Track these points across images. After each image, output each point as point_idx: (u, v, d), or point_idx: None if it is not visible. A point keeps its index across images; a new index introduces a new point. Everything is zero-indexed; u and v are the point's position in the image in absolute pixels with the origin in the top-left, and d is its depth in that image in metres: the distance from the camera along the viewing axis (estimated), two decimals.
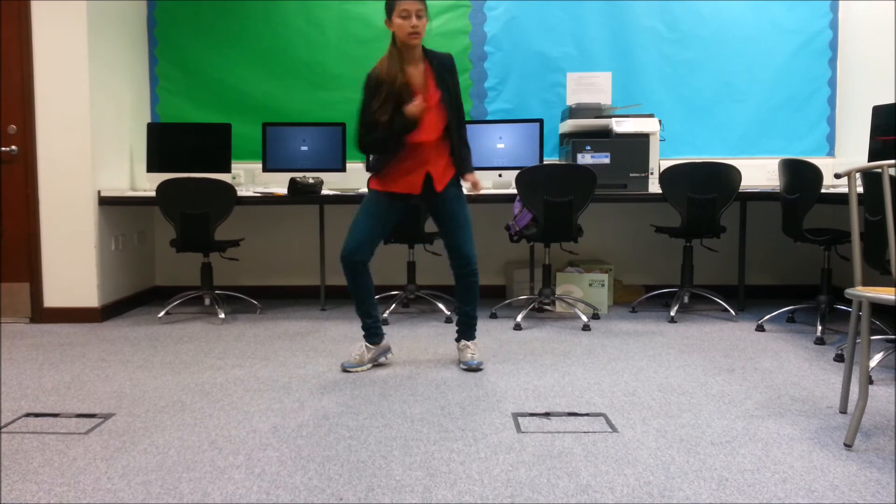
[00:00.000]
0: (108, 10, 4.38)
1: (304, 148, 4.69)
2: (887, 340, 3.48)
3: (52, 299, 4.20)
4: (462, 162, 3.15)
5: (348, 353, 3.46)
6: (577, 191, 3.93)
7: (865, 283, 4.16)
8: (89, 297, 4.20)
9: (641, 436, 2.34)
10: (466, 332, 3.25)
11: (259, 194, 4.26)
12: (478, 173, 4.57)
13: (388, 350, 3.27)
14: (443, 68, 3.06)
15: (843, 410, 2.55)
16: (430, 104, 3.01)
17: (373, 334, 3.20)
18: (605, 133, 4.31)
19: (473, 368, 3.13)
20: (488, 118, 4.87)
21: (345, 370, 3.15)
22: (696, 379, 2.99)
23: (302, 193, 4.17)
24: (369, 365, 3.19)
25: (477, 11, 4.87)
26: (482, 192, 3.33)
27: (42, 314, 4.20)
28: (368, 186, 3.15)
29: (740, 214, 4.45)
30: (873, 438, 2.31)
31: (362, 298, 3.15)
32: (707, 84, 4.87)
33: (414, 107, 2.90)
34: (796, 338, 3.72)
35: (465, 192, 3.20)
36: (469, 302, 3.20)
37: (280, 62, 4.91)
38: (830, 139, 4.87)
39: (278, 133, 4.69)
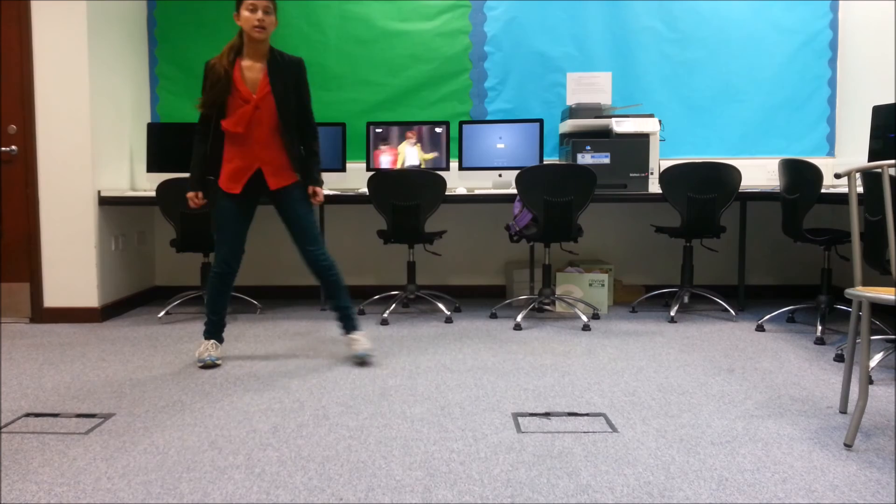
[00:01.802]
0: (108, 10, 4.38)
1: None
2: (887, 340, 3.48)
3: (52, 299, 4.20)
4: (306, 170, 3.23)
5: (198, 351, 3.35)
6: (577, 191, 3.94)
7: (865, 283, 4.16)
8: (89, 297, 4.21)
9: (641, 436, 2.34)
10: (348, 323, 3.30)
11: None
12: (478, 173, 4.62)
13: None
14: (284, 69, 3.12)
15: (843, 410, 2.55)
16: (257, 99, 3.08)
17: (221, 332, 3.32)
18: (605, 133, 4.32)
19: (363, 360, 3.22)
20: (488, 118, 4.87)
21: (206, 365, 3.19)
22: (696, 379, 2.99)
23: None
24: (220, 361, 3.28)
25: (477, 11, 4.87)
26: (321, 198, 3.30)
27: (42, 314, 4.20)
28: (217, 184, 3.23)
29: (740, 214, 4.45)
30: (873, 438, 2.31)
31: (226, 301, 3.29)
32: (707, 84, 4.87)
33: (191, 201, 3.21)
34: (796, 338, 3.72)
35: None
36: (337, 296, 3.26)
37: None
38: (830, 139, 4.87)
39: None
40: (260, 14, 3.00)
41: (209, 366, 3.19)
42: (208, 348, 3.24)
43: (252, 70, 3.10)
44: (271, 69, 3.10)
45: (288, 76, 3.13)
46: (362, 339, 3.27)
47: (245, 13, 3.02)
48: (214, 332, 3.30)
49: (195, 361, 3.29)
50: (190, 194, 3.23)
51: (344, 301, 3.29)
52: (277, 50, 3.16)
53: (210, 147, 3.18)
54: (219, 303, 3.27)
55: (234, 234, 3.20)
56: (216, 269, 3.21)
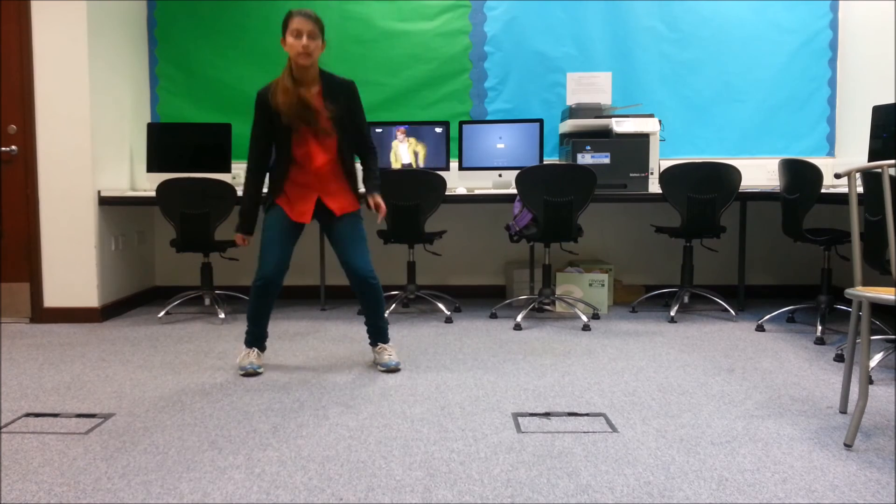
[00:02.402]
0: (108, 10, 4.38)
1: None
2: (887, 340, 3.48)
3: (52, 299, 4.20)
4: (370, 184, 3.15)
5: (240, 358, 3.28)
6: (577, 191, 3.93)
7: (865, 283, 4.16)
8: (89, 297, 4.21)
9: (641, 436, 2.34)
10: (380, 336, 3.23)
11: None
12: (478, 173, 4.62)
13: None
14: (339, 91, 3.04)
15: (843, 410, 2.55)
16: (319, 127, 3.01)
17: (263, 340, 3.26)
18: (605, 133, 4.32)
19: (392, 369, 3.12)
20: (488, 118, 4.87)
21: (248, 374, 3.11)
22: (696, 379, 2.99)
23: None
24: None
25: (477, 11, 4.87)
26: (383, 216, 3.18)
27: (42, 314, 4.20)
28: (272, 202, 3.12)
29: (740, 214, 4.45)
30: (873, 438, 2.31)
31: (267, 316, 3.23)
32: (707, 84, 4.87)
33: (237, 241, 3.16)
34: (796, 338, 3.72)
35: (370, 209, 3.16)
36: (377, 314, 3.19)
37: (280, 62, 4.87)
38: (830, 139, 4.87)
39: None
40: (304, 40, 2.90)
41: (251, 374, 3.11)
42: (250, 356, 3.17)
43: (309, 97, 3.01)
44: (325, 93, 3.02)
45: (342, 99, 3.04)
46: (392, 350, 3.21)
47: (290, 39, 2.93)
48: (256, 341, 3.22)
49: (236, 368, 3.18)
50: (238, 237, 3.18)
51: (382, 319, 3.21)
52: (328, 72, 3.07)
53: (274, 172, 3.10)
54: (261, 314, 3.19)
55: (284, 251, 3.10)
56: (259, 283, 3.11)
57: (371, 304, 3.17)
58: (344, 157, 3.09)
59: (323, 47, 2.99)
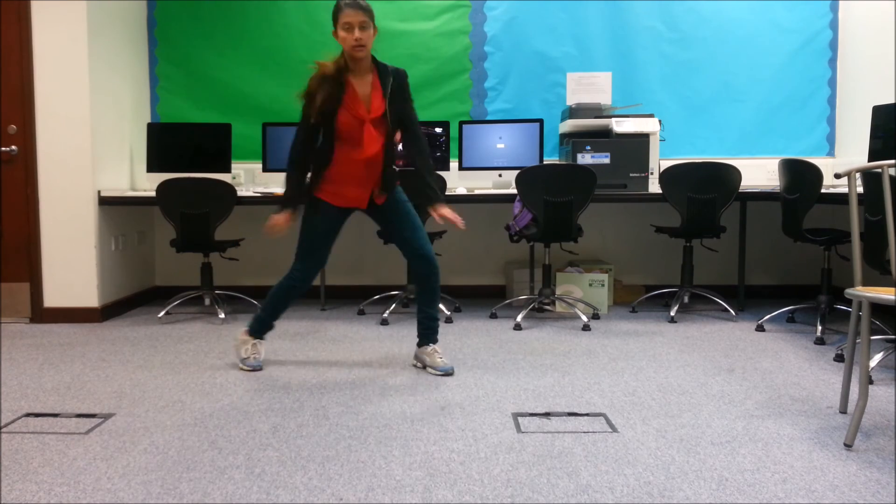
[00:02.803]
0: (108, 10, 4.38)
1: None
2: (887, 340, 3.48)
3: (52, 299, 4.20)
4: (431, 190, 3.04)
5: (239, 353, 3.27)
6: (577, 191, 3.93)
7: (865, 283, 4.16)
8: (89, 297, 4.20)
9: (641, 436, 2.34)
10: (431, 335, 3.17)
11: (259, 194, 4.26)
12: (478, 173, 4.62)
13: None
14: (391, 80, 3.00)
15: (843, 410, 2.55)
16: (373, 116, 2.98)
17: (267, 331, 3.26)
18: (605, 133, 4.32)
19: (449, 373, 3.07)
20: (488, 118, 4.87)
21: (253, 369, 3.14)
22: (696, 379, 2.99)
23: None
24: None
25: (477, 11, 4.87)
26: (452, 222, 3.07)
27: (42, 314, 4.20)
28: (314, 196, 3.05)
29: (740, 214, 4.45)
30: (873, 438, 2.31)
31: (286, 309, 3.21)
32: (707, 84, 4.87)
33: (269, 228, 3.00)
34: (796, 338, 3.72)
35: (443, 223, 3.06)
36: (433, 303, 3.16)
37: (280, 62, 4.91)
38: (830, 139, 4.87)
39: (278, 133, 4.69)
40: (357, 33, 2.86)
41: (257, 370, 3.14)
42: (257, 348, 3.19)
43: (362, 85, 2.97)
44: (382, 83, 2.98)
45: (396, 88, 3.00)
46: (442, 352, 3.17)
47: (342, 33, 2.89)
48: (262, 332, 3.23)
49: (237, 360, 3.21)
50: (281, 217, 3.02)
51: (437, 311, 3.17)
52: (381, 62, 3.03)
53: (315, 162, 3.04)
54: (280, 310, 3.18)
55: (325, 250, 3.09)
56: (292, 282, 3.08)
57: (433, 293, 3.12)
58: (392, 144, 3.06)
59: (375, 32, 2.95)
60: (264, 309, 3.19)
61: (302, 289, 3.13)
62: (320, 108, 2.92)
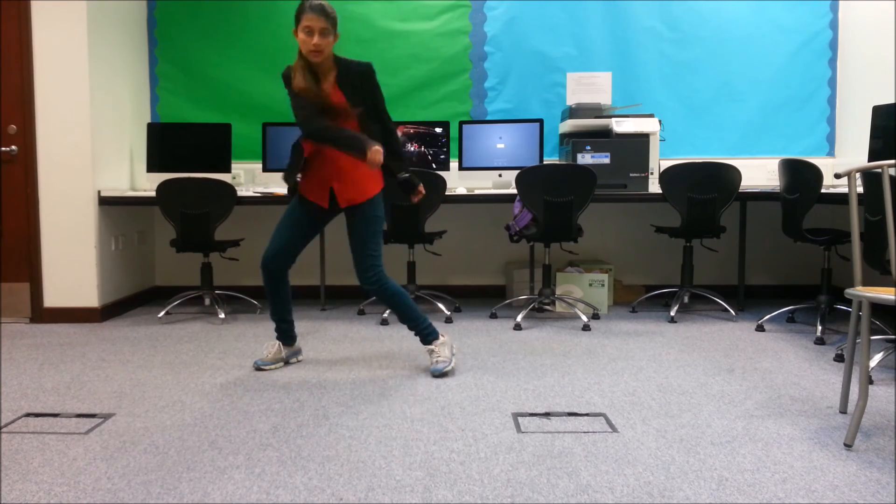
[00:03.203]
0: (108, 10, 4.38)
1: None
2: (887, 340, 3.48)
3: (52, 299, 4.20)
4: (395, 165, 3.10)
5: (260, 351, 3.45)
6: (577, 191, 3.93)
7: (865, 283, 4.16)
8: (89, 297, 4.21)
9: (641, 436, 2.34)
10: (422, 339, 3.16)
11: (259, 194, 4.26)
12: (478, 173, 4.62)
13: (299, 352, 3.33)
14: (353, 76, 2.98)
15: (843, 410, 2.55)
16: (336, 112, 2.97)
17: (287, 337, 3.25)
18: (605, 133, 4.32)
19: (438, 375, 3.04)
20: (488, 118, 4.87)
21: (258, 368, 3.17)
22: (696, 379, 2.99)
23: None
24: (282, 363, 3.24)
25: (477, 11, 4.87)
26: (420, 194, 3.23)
27: (42, 314, 4.20)
28: (294, 185, 3.12)
29: (740, 214, 4.45)
30: (873, 438, 2.31)
31: (278, 304, 3.20)
32: (707, 84, 4.87)
33: (374, 154, 2.87)
34: (796, 338, 3.72)
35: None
36: (404, 319, 3.13)
37: (280, 62, 4.91)
38: (830, 139, 4.87)
39: (278, 133, 4.69)
40: (316, 38, 2.86)
41: (260, 369, 3.18)
42: (273, 352, 3.22)
43: (324, 86, 2.98)
44: (340, 80, 2.98)
45: (357, 83, 2.99)
46: (440, 350, 3.13)
47: (302, 36, 2.89)
48: (278, 334, 3.25)
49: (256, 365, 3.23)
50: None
51: (413, 321, 3.13)
52: (344, 59, 3.01)
53: (294, 154, 3.09)
54: (272, 302, 3.19)
55: (288, 236, 3.09)
56: (261, 264, 3.14)
57: (393, 310, 3.11)
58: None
59: (336, 39, 2.95)
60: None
61: (267, 272, 3.12)
62: (299, 100, 2.97)
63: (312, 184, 3.09)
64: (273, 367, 3.20)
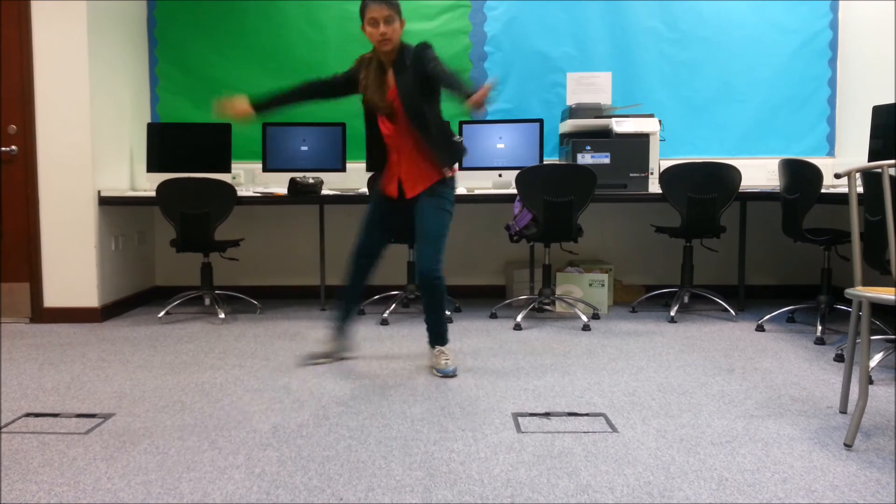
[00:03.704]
0: (108, 10, 4.38)
1: (305, 148, 4.69)
2: (887, 340, 3.48)
3: (52, 299, 4.20)
4: (441, 154, 3.05)
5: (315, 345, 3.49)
6: (577, 191, 3.93)
7: (865, 283, 4.16)
8: (89, 297, 4.20)
9: (641, 436, 2.34)
10: (434, 338, 3.19)
11: (259, 194, 4.26)
12: (478, 173, 4.61)
13: (348, 348, 3.39)
14: (410, 61, 2.97)
15: (843, 410, 2.55)
16: (388, 105, 3.02)
17: (349, 325, 3.34)
18: (605, 133, 4.31)
19: (448, 376, 3.04)
20: (488, 118, 4.87)
21: (339, 358, 3.24)
22: (696, 379, 2.99)
23: (302, 193, 4.17)
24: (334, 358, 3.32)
25: (477, 11, 4.87)
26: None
27: (42, 314, 4.20)
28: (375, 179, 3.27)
29: (740, 214, 4.45)
30: (873, 438, 2.31)
31: (353, 291, 3.27)
32: (707, 84, 4.87)
33: (223, 103, 2.97)
34: (796, 338, 3.72)
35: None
36: (432, 311, 3.14)
37: (280, 62, 4.91)
38: (830, 139, 4.87)
39: (278, 133, 4.69)
40: (382, 27, 2.88)
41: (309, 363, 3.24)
42: (323, 345, 3.31)
43: (388, 76, 3.02)
44: (397, 71, 2.98)
45: (412, 65, 2.95)
46: (449, 354, 3.14)
47: (368, 29, 2.92)
48: (339, 319, 3.32)
49: (304, 358, 3.31)
50: (243, 104, 3.05)
51: (439, 318, 3.16)
52: (406, 46, 3.01)
53: (375, 147, 3.17)
54: (349, 287, 3.26)
55: (371, 229, 3.18)
56: (350, 257, 3.23)
57: (428, 302, 3.13)
58: (424, 131, 3.01)
59: (402, 25, 2.97)
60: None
61: (357, 260, 3.21)
62: (362, 90, 3.05)
63: (384, 175, 3.19)
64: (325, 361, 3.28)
